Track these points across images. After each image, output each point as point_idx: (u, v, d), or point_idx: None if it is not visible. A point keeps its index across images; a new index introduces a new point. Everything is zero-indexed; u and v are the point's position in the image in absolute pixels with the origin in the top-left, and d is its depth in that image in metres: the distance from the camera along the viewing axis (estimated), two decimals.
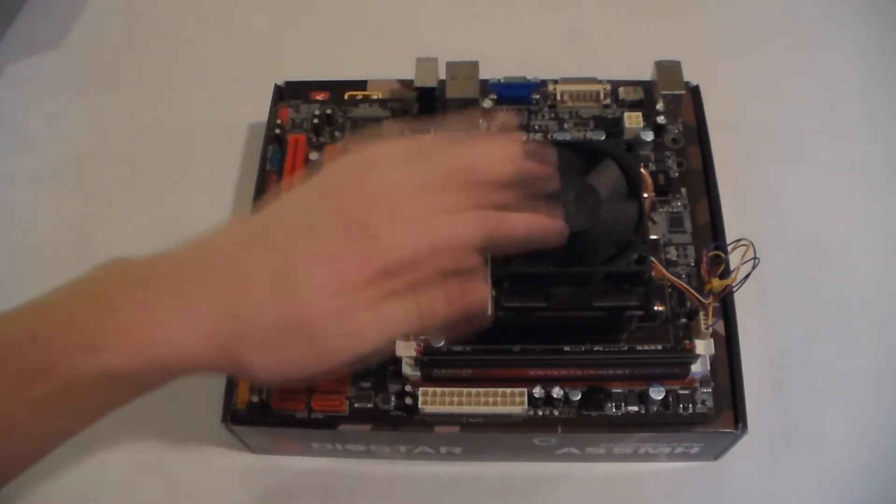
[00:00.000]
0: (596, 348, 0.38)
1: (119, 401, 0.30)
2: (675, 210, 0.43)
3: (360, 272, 0.31)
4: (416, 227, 0.31)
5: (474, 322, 0.33)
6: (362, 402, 0.40)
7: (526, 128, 0.46)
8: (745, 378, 0.39)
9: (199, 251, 0.32)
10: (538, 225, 0.33)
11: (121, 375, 0.29)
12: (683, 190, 0.44)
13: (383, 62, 0.50)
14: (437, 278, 0.32)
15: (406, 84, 0.48)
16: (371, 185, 0.32)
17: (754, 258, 0.36)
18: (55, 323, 0.29)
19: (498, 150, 0.34)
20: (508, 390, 0.38)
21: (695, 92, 0.47)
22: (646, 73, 0.47)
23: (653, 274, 0.37)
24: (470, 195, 0.33)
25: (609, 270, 0.35)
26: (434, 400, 0.38)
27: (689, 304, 0.40)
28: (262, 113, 0.48)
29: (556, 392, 0.39)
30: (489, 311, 0.34)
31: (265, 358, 0.31)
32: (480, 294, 0.33)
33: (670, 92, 0.45)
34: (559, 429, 0.39)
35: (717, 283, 0.38)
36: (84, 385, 0.28)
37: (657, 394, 0.39)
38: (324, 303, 0.30)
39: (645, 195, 0.37)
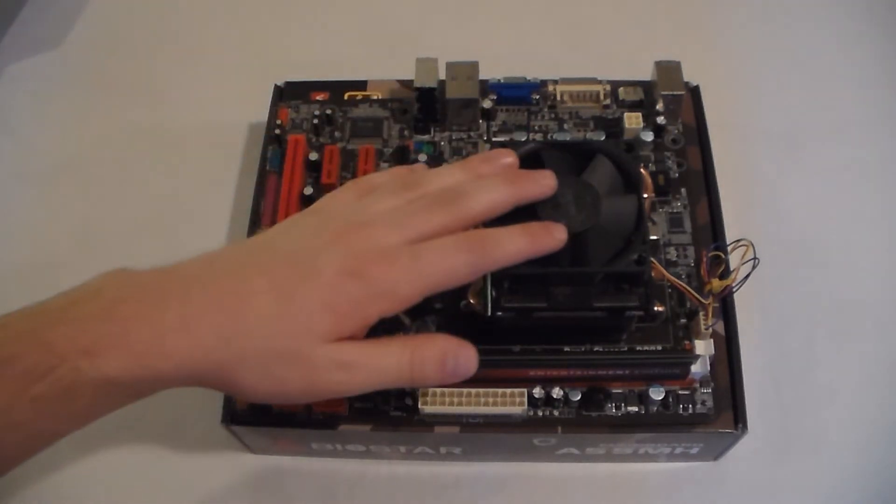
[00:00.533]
0: (596, 349, 0.38)
1: (112, 406, 0.31)
2: (674, 210, 0.43)
3: (356, 316, 0.32)
4: (411, 271, 0.32)
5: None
6: (362, 402, 0.40)
7: (526, 128, 0.46)
8: (745, 378, 0.39)
9: (203, 270, 0.33)
10: (531, 239, 0.34)
11: (117, 382, 0.30)
12: (683, 190, 0.44)
13: (383, 62, 0.50)
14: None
15: (406, 84, 0.48)
16: (365, 213, 0.34)
17: (754, 258, 0.36)
18: (58, 327, 0.30)
19: (491, 186, 0.35)
20: (508, 390, 0.38)
21: (695, 92, 0.47)
22: (646, 73, 0.47)
23: (653, 274, 0.37)
24: (459, 215, 0.34)
25: (609, 271, 0.35)
26: (434, 400, 0.38)
27: (688, 305, 0.40)
28: (262, 113, 0.48)
29: (556, 392, 0.39)
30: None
31: (257, 381, 0.32)
32: (471, 369, 0.34)
33: (670, 92, 0.45)
34: (559, 429, 0.39)
35: (716, 284, 0.38)
36: (81, 389, 0.29)
37: (657, 394, 0.39)
38: (320, 339, 0.31)
39: (645, 195, 0.37)
